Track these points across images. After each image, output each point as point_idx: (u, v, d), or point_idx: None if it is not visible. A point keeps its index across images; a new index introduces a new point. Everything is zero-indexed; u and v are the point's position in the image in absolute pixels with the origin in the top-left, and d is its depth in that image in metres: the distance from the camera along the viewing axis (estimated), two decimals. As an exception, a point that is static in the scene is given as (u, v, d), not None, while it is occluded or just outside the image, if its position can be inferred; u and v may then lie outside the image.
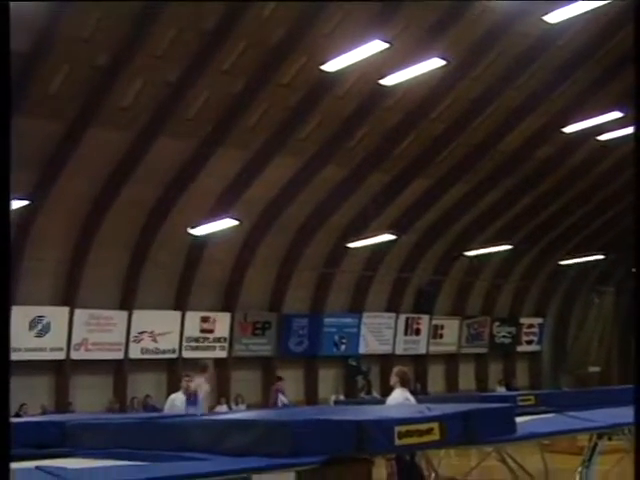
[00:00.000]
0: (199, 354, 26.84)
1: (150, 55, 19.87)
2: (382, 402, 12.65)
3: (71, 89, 20.10)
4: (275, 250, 27.69)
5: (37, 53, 18.63)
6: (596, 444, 8.65)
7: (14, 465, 6.31)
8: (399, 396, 11.10)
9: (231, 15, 19.43)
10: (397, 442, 6.24)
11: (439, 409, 7.10)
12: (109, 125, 21.11)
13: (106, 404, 24.63)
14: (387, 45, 16.91)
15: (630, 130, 23.65)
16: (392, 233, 27.07)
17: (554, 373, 37.71)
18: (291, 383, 29.15)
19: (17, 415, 21.41)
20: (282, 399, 27.45)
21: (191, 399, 12.52)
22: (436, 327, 33.54)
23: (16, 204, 19.79)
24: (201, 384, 12.66)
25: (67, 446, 7.91)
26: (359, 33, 18.09)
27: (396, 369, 11.64)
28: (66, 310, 24.13)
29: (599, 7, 16.09)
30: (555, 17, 16.56)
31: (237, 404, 26.65)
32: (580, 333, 39.05)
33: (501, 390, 32.02)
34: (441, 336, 33.79)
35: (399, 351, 32.12)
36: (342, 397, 28.68)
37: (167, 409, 15.34)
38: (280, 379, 28.11)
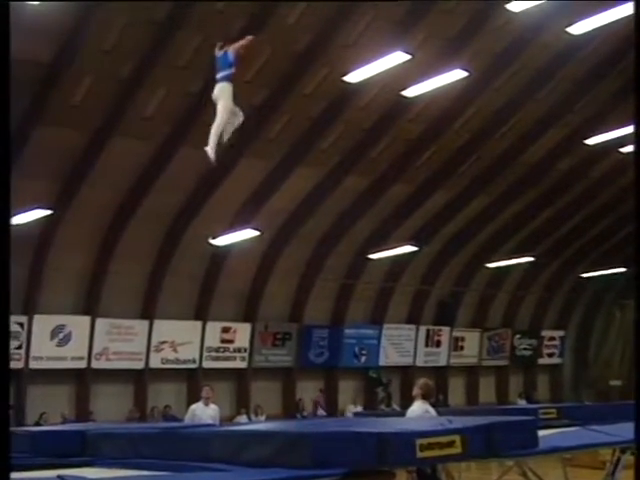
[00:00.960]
0: (219, 364, 26.88)
1: (172, 65, 19.94)
2: (402, 414, 12.59)
3: (94, 99, 20.18)
4: (296, 261, 27.69)
5: (60, 63, 18.74)
6: (619, 459, 8.58)
7: (35, 474, 6.34)
8: (418, 408, 11.03)
9: (254, 25, 19.46)
10: (418, 455, 6.20)
11: (460, 422, 7.06)
12: (131, 135, 21.20)
13: (126, 413, 24.67)
14: (409, 56, 16.96)
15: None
16: (413, 244, 27.04)
17: (575, 386, 37.51)
18: (310, 394, 29.17)
19: (37, 424, 21.51)
20: (321, 411, 27.79)
21: None
22: (457, 339, 33.44)
23: (38, 214, 19.92)
24: None
25: (87, 455, 7.92)
26: (381, 44, 18.10)
27: (421, 381, 11.54)
28: (87, 319, 24.19)
29: (622, 18, 16.02)
30: (578, 29, 16.55)
31: (257, 415, 26.63)
32: (602, 346, 38.83)
33: (522, 403, 31.86)
34: (462, 348, 33.67)
35: (420, 363, 32.01)
36: (360, 408, 28.62)
37: (187, 419, 15.37)
38: (322, 391, 28.55)
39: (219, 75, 11.73)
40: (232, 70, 11.63)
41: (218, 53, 11.85)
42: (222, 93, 11.72)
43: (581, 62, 23.93)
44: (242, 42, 11.82)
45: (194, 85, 20.73)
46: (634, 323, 30.29)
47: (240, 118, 12.28)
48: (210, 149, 11.84)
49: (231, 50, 11.65)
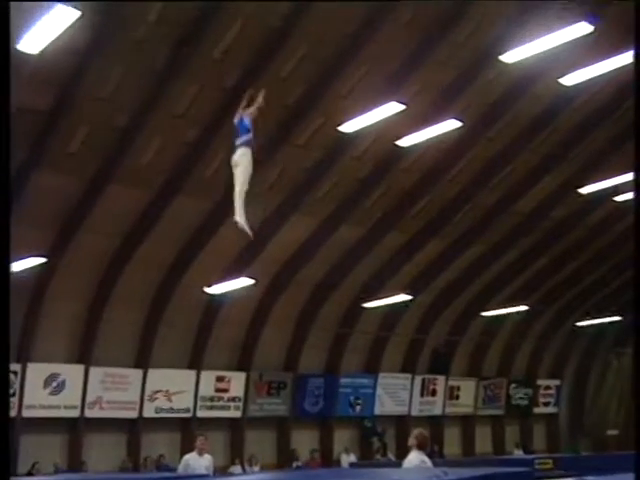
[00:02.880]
0: (214, 414, 26.73)
1: (169, 114, 20.06)
2: (398, 464, 12.54)
3: (90, 147, 20.26)
4: (291, 310, 27.66)
5: (58, 111, 18.84)
6: (614, 510, 8.53)
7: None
8: (415, 458, 11.00)
9: (249, 74, 19.63)
10: (414, 506, 6.17)
11: (456, 473, 7.02)
12: (127, 183, 21.26)
13: (119, 463, 24.47)
14: (403, 107, 17.11)
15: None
16: (408, 293, 27.04)
17: (572, 436, 37.31)
18: (306, 444, 28.97)
19: (29, 474, 21.33)
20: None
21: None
22: (452, 388, 33.32)
23: (33, 261, 19.91)
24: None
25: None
26: (376, 95, 18.28)
27: (416, 431, 11.54)
28: (81, 368, 24.07)
29: (615, 69, 16.19)
30: (570, 80, 16.72)
31: (251, 465, 26.41)
32: (598, 395, 38.71)
33: (518, 453, 31.70)
34: (457, 397, 33.54)
35: (415, 412, 31.86)
36: (355, 458, 28.45)
37: (181, 469, 15.24)
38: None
39: (238, 141, 11.95)
40: (250, 135, 11.88)
41: (236, 120, 12.12)
42: (242, 158, 11.92)
43: (574, 112, 24.10)
44: (253, 106, 12.15)
45: (190, 134, 20.87)
46: (633, 370, 30.25)
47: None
48: (240, 219, 11.82)
49: (246, 115, 11.97)
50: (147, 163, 21.36)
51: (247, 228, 11.84)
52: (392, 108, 17.07)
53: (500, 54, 15.40)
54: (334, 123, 19.37)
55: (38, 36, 11.90)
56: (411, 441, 11.30)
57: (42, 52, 12.95)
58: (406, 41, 20.06)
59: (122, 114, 19.79)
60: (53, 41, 11.95)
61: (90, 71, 18.22)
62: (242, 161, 11.93)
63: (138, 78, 19.01)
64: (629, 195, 25.12)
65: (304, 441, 29.10)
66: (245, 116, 12.16)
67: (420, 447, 11.12)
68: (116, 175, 20.89)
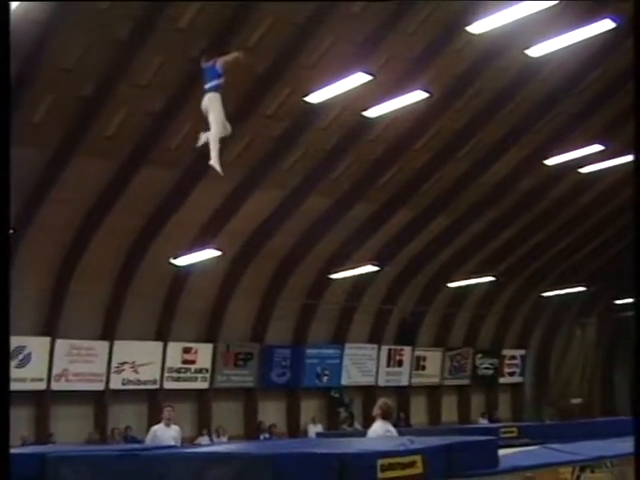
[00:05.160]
0: (181, 385, 26.72)
1: (134, 85, 19.89)
2: (364, 434, 12.61)
3: (55, 117, 20.06)
4: (258, 281, 27.62)
5: (21, 82, 18.60)
6: (579, 477, 8.65)
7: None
8: (379, 428, 11.04)
9: (216, 45, 19.48)
10: (380, 475, 6.21)
11: (422, 442, 7.08)
12: (93, 154, 21.07)
13: (86, 435, 24.42)
14: (371, 77, 17.08)
15: (611, 163, 24.05)
16: (375, 264, 27.09)
17: (536, 405, 37.71)
18: (273, 415, 29.06)
19: (-4, 446, 21.21)
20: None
21: None
22: (418, 359, 33.50)
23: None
24: None
25: (47, 478, 7.84)
26: (343, 65, 18.21)
27: (380, 401, 11.59)
28: (47, 340, 23.94)
29: (581, 41, 16.24)
30: (537, 51, 16.77)
31: (219, 436, 26.47)
32: (562, 365, 39.12)
33: (484, 422, 32.00)
34: (424, 368, 33.74)
35: (382, 383, 32.03)
36: (322, 428, 28.58)
37: (149, 440, 15.26)
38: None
39: (208, 85, 12.18)
40: (221, 80, 12.12)
41: (205, 64, 12.29)
42: (212, 103, 12.24)
43: (540, 84, 24.18)
44: (230, 56, 12.37)
45: (156, 104, 20.71)
46: (634, 339, 30.65)
47: (229, 130, 12.79)
48: (215, 161, 12.24)
49: (219, 62, 12.13)
50: (112, 133, 21.19)
51: (219, 168, 12.34)
52: (359, 78, 17.03)
53: (467, 25, 15.39)
54: (301, 94, 19.29)
55: None
56: (375, 411, 11.35)
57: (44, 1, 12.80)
58: (373, 11, 20.00)
59: (86, 84, 19.60)
60: (14, 10, 11.77)
61: (53, 41, 18.01)
62: (212, 106, 12.19)
63: (102, 48, 18.82)
64: (594, 167, 25.33)
65: (271, 412, 29.19)
66: (218, 62, 12.29)
67: (384, 417, 11.17)
68: (81, 145, 20.71)
